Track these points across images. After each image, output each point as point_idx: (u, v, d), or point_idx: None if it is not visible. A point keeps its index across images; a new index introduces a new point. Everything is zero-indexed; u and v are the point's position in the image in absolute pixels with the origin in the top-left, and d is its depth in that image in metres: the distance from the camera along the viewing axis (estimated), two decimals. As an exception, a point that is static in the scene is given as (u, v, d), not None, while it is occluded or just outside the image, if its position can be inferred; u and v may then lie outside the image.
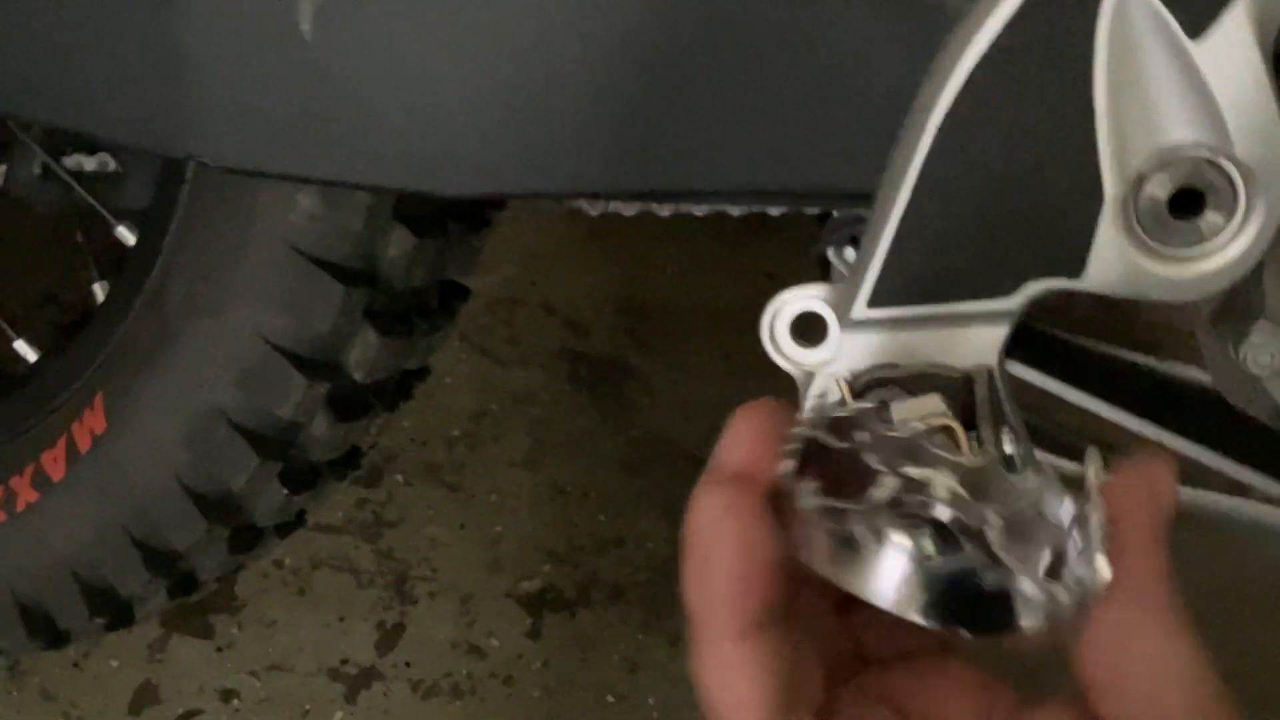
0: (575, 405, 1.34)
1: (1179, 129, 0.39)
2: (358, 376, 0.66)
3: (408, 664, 1.07)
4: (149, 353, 0.68)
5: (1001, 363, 0.45)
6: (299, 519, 0.76)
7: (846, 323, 0.46)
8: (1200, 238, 0.41)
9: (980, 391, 0.43)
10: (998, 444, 0.41)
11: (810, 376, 0.47)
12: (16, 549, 0.74)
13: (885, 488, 0.37)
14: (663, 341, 1.38)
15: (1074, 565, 0.34)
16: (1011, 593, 0.33)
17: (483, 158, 0.47)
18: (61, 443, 0.72)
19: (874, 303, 0.45)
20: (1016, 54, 0.41)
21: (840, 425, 0.39)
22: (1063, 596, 0.33)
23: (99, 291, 0.78)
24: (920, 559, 0.34)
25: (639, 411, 1.32)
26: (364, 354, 0.66)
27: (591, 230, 1.48)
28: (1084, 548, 0.34)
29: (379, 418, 0.72)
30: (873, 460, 0.38)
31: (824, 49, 0.46)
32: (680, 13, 0.46)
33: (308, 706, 1.02)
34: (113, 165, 0.77)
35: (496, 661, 1.09)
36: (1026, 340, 0.60)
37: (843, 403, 0.43)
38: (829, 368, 0.47)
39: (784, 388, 0.45)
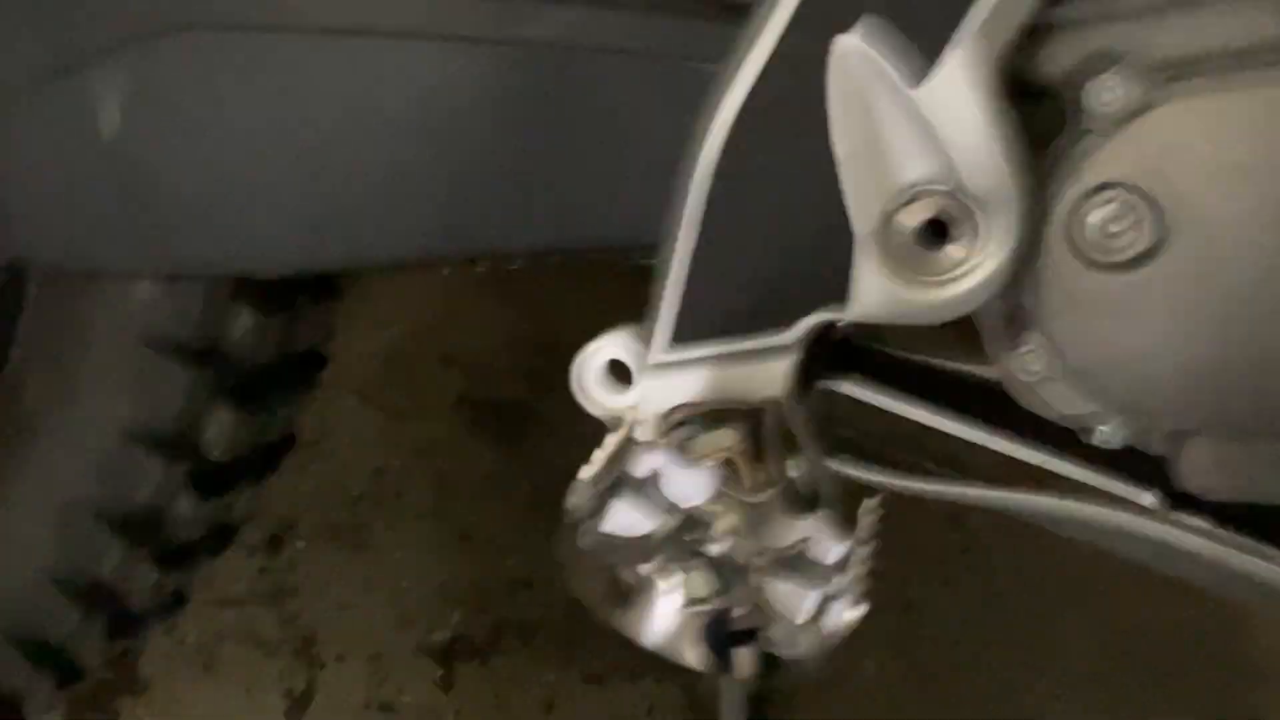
0: (478, 452, 1.35)
1: (909, 169, 0.43)
2: (216, 454, 0.68)
3: (320, 729, 1.08)
4: (10, 448, 0.69)
5: (791, 394, 0.48)
6: (177, 598, 0.76)
7: (649, 366, 0.48)
8: (949, 264, 0.45)
9: (769, 423, 0.46)
10: (782, 473, 0.44)
11: (621, 420, 0.50)
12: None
13: (665, 525, 0.39)
14: (563, 380, 1.40)
15: (832, 609, 0.37)
16: (766, 637, 0.36)
17: (290, 236, 0.49)
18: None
19: (672, 344, 0.47)
20: (764, 111, 0.44)
21: (631, 464, 0.42)
22: (811, 641, 0.36)
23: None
24: (688, 600, 0.36)
25: (543, 452, 1.34)
26: (220, 432, 0.67)
27: (487, 279, 1.50)
28: (843, 592, 0.37)
29: (245, 491, 0.73)
30: (656, 499, 0.40)
31: (604, 117, 0.49)
32: (471, 93, 0.49)
33: (217, 783, 1.02)
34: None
35: (409, 717, 1.10)
36: (870, 360, 0.63)
37: (642, 443, 0.46)
38: (638, 410, 0.49)
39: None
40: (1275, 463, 0.50)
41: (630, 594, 0.38)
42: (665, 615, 0.36)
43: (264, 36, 0.46)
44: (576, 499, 0.39)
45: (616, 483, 0.39)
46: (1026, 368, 0.49)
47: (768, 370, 0.47)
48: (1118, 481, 0.52)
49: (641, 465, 0.40)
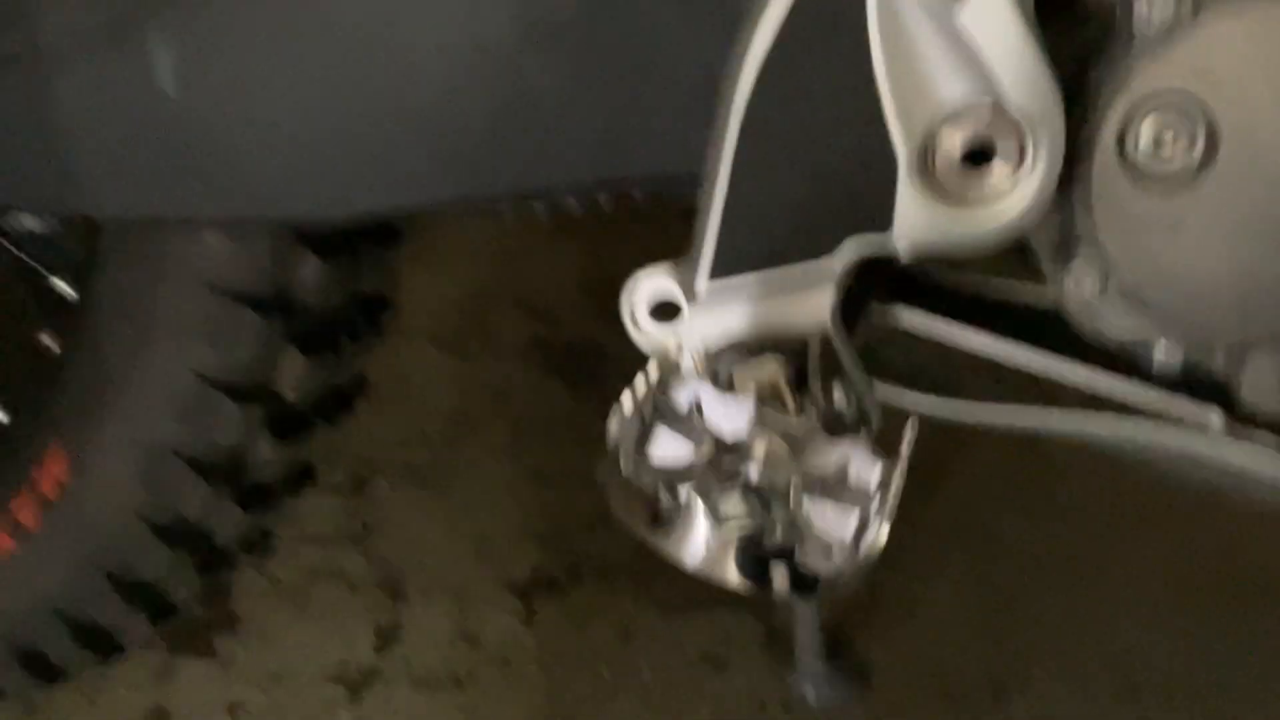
0: (551, 392, 1.38)
1: (952, 89, 0.42)
2: (291, 397, 0.70)
3: (406, 660, 1.11)
4: (97, 399, 0.72)
5: (836, 322, 0.48)
6: (264, 537, 0.80)
7: (694, 297, 0.49)
8: (995, 184, 0.44)
9: (813, 350, 0.47)
10: (829, 399, 0.44)
11: (667, 353, 0.51)
12: (2, 596, 0.78)
13: (704, 450, 0.40)
14: (632, 320, 1.42)
15: (869, 529, 0.37)
16: (802, 558, 0.36)
17: (344, 182, 0.51)
18: (33, 493, 0.76)
19: (714, 274, 0.48)
20: (800, 37, 0.44)
21: (673, 394, 0.43)
22: (847, 561, 0.37)
23: (51, 345, 0.82)
24: (725, 522, 0.37)
25: (615, 391, 1.35)
26: (293, 375, 0.70)
27: (557, 223, 1.52)
28: (878, 512, 0.38)
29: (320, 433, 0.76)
30: (697, 427, 0.41)
31: (641, 48, 0.49)
32: (506, 28, 0.49)
33: (313, 711, 1.06)
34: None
35: (492, 648, 1.14)
36: (922, 288, 0.63)
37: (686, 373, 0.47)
38: (685, 342, 0.50)
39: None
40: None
41: (671, 518, 0.39)
42: (703, 538, 0.37)
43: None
44: (618, 426, 0.40)
45: (658, 411, 0.40)
46: (1080, 289, 0.49)
47: (812, 299, 0.48)
48: (1179, 402, 0.52)
49: (683, 395, 0.41)
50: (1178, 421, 0.51)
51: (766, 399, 0.43)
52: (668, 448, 0.39)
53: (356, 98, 0.49)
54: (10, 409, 0.86)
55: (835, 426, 0.43)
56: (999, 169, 0.44)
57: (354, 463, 1.24)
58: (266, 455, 0.72)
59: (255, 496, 0.74)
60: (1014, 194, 0.44)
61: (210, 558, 0.76)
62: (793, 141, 0.45)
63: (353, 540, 1.20)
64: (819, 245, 0.46)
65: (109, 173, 0.51)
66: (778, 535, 0.36)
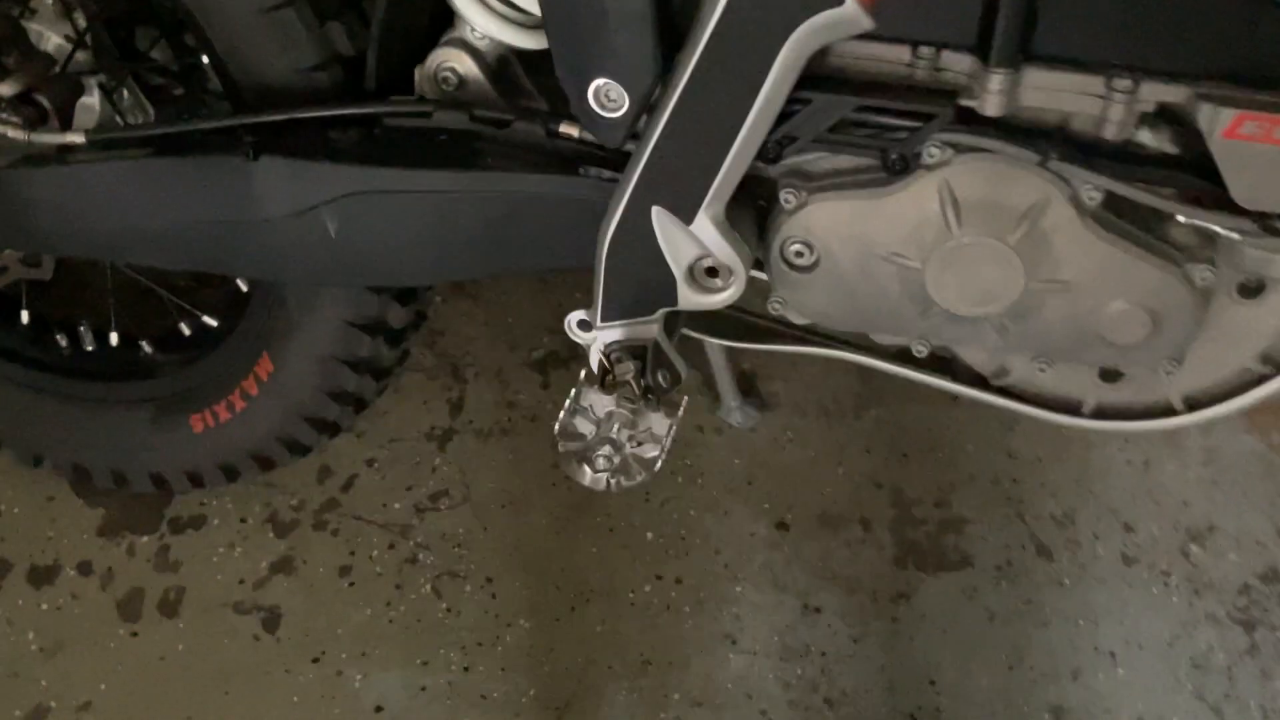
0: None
1: (691, 249, 0.97)
2: (395, 326, 1.29)
3: (470, 421, 1.72)
4: (288, 331, 1.30)
5: (662, 337, 1.05)
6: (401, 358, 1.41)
7: (596, 327, 1.05)
8: (722, 284, 1.00)
9: (652, 351, 1.04)
10: (653, 381, 1.02)
11: (588, 349, 1.08)
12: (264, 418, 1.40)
13: (588, 428, 0.98)
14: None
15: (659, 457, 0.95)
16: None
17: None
18: (251, 378, 1.35)
19: (603, 320, 1.04)
20: (627, 224, 0.98)
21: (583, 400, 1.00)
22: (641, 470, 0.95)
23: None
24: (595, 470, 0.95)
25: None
26: (394, 321, 1.28)
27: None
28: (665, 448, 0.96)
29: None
30: (591, 415, 0.99)
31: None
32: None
33: (417, 460, 1.68)
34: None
35: (525, 408, 1.74)
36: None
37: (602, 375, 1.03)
38: (598, 343, 1.07)
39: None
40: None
41: (585, 465, 0.97)
42: (587, 476, 0.96)
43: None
44: (559, 424, 0.97)
45: (574, 411, 0.97)
46: (775, 308, 1.04)
47: (648, 329, 1.04)
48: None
49: (586, 399, 0.98)
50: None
51: (623, 386, 1.00)
52: (580, 428, 0.96)
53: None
54: (221, 321, 1.44)
55: (658, 393, 1.01)
56: (721, 278, 0.98)
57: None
58: (384, 354, 1.31)
59: (380, 373, 1.34)
60: (731, 287, 0.99)
61: (378, 373, 1.37)
62: (630, 271, 0.99)
63: (425, 342, 1.79)
64: (646, 312, 1.02)
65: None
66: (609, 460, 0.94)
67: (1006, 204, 0.90)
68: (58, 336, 1.48)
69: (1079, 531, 1.53)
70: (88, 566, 1.51)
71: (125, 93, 1.22)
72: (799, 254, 0.99)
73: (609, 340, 1.05)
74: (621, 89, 0.88)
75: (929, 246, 0.93)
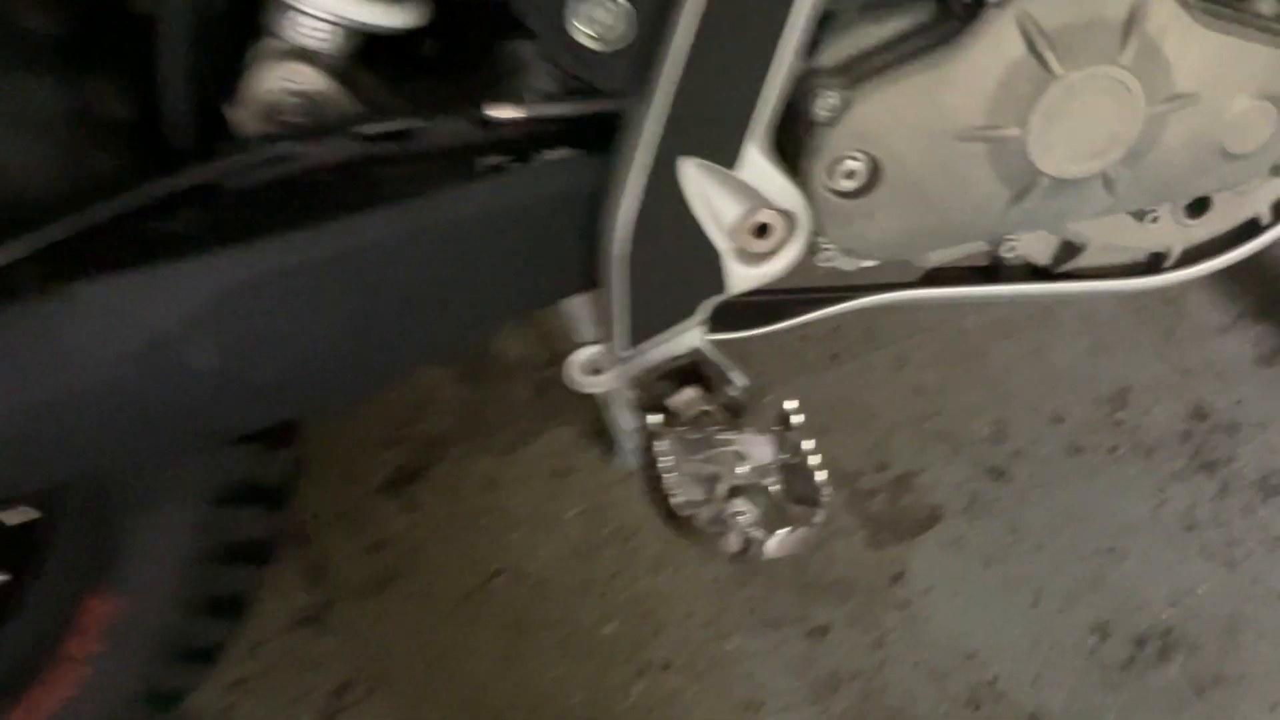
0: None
1: (740, 204, 0.71)
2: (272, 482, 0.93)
3: (341, 585, 1.35)
4: (122, 548, 0.91)
5: (707, 345, 0.77)
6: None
7: (617, 360, 0.76)
8: (777, 245, 0.74)
9: (705, 364, 0.76)
10: (725, 394, 0.74)
11: (608, 394, 0.79)
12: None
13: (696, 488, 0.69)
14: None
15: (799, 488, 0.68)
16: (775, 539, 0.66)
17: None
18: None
19: (632, 344, 0.76)
20: (646, 216, 0.70)
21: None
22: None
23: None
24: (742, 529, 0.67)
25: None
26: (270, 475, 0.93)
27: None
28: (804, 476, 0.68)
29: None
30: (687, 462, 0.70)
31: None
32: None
33: (297, 657, 1.29)
34: None
35: (398, 543, 1.39)
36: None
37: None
38: (621, 384, 0.78)
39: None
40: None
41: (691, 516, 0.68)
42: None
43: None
44: (674, 504, 0.67)
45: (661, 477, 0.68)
46: (822, 257, 0.80)
47: (689, 336, 0.76)
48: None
49: (665, 458, 0.69)
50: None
51: (695, 415, 0.72)
52: (688, 491, 0.68)
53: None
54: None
55: (735, 409, 0.73)
56: (779, 235, 0.73)
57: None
58: (264, 525, 0.95)
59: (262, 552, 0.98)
60: (793, 241, 0.73)
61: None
62: (660, 263, 0.72)
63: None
64: (687, 313, 0.74)
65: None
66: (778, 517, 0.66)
67: (1104, 18, 0.71)
68: None
69: (1016, 440, 1.45)
70: None
71: None
72: (850, 174, 0.75)
73: (637, 374, 0.76)
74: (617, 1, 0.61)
75: (1025, 102, 0.72)
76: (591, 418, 1.48)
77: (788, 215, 0.72)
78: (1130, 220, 0.86)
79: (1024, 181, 0.76)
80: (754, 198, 0.71)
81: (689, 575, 1.33)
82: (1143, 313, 1.60)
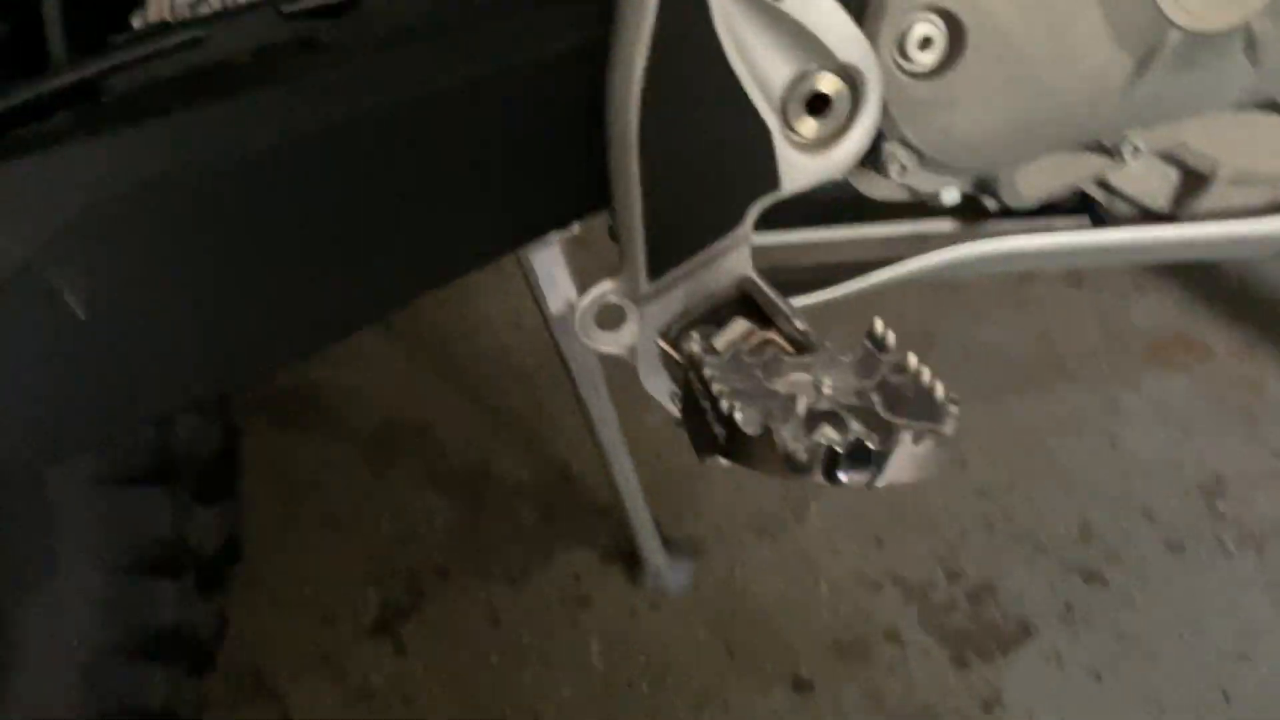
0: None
1: (792, 59, 0.53)
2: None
3: None
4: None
5: (754, 271, 0.58)
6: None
7: (639, 299, 0.57)
8: (840, 126, 0.56)
9: (759, 297, 0.57)
10: (792, 326, 0.54)
11: (632, 349, 0.59)
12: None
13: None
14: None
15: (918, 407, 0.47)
16: (897, 446, 0.46)
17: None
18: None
19: (653, 275, 0.56)
20: (667, 61, 0.52)
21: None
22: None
23: None
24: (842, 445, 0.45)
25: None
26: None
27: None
28: (917, 389, 0.48)
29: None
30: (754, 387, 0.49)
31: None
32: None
33: None
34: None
35: (387, 688, 1.17)
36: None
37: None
38: (641, 335, 0.58)
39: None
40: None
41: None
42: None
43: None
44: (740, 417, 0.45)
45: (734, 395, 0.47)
46: (893, 170, 0.61)
47: (730, 260, 0.57)
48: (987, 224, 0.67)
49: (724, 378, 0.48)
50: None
51: (766, 351, 0.52)
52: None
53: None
54: None
55: (801, 344, 0.53)
56: (840, 110, 0.55)
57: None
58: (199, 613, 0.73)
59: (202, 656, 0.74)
60: (863, 115, 0.55)
61: None
62: (686, 141, 0.54)
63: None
64: (730, 220, 0.56)
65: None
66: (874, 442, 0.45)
67: None
68: None
69: (1107, 540, 1.29)
70: None
71: None
72: (925, 42, 0.58)
73: (666, 317, 0.57)
74: None
75: (1147, -76, 0.56)
76: (610, 535, 1.27)
77: (852, 80, 0.54)
78: (1272, 130, 0.68)
79: (1149, 41, 0.59)
80: (810, 48, 0.53)
81: (741, 710, 1.14)
82: (1218, 396, 1.44)
